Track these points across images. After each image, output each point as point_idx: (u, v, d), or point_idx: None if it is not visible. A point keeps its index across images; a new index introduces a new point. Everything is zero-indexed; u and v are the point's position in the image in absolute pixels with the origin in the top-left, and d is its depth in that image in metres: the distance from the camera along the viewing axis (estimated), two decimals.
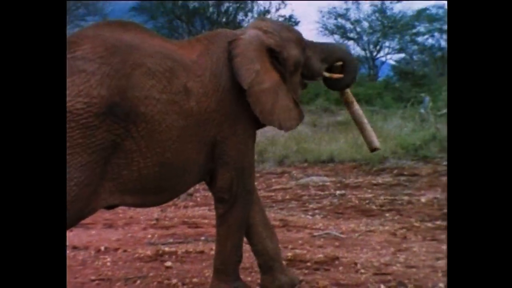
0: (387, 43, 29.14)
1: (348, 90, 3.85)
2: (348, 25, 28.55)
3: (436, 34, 27.86)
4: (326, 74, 3.76)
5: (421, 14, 27.65)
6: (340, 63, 3.76)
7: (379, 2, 28.39)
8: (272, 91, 3.27)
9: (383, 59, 29.28)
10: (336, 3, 38.69)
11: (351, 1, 28.43)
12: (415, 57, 28.81)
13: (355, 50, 28.01)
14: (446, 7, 26.39)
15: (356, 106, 3.82)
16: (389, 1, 28.26)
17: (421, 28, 28.08)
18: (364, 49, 28.68)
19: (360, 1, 28.16)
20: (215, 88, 3.11)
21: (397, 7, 28.59)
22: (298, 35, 3.64)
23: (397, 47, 29.00)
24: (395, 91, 19.62)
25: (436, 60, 27.12)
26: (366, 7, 28.29)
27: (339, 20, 28.82)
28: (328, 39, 27.27)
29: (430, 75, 22.80)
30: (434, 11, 27.61)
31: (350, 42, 27.93)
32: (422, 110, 12.10)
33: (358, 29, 28.99)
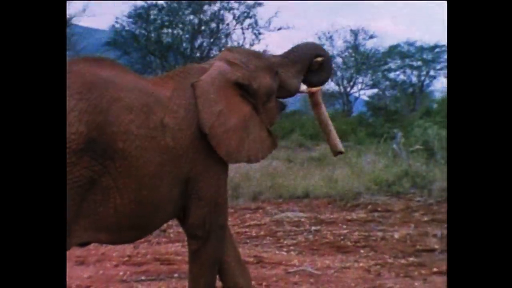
0: (360, 79, 29.70)
1: (318, 91, 3.85)
2: None
3: (407, 70, 28.53)
4: (305, 90, 3.80)
5: (392, 51, 28.34)
6: (320, 58, 3.78)
7: (352, 38, 29.07)
8: (239, 127, 3.30)
9: (357, 94, 29.75)
10: (310, 39, 39.26)
11: (324, 37, 28.93)
12: (387, 93, 29.32)
13: (330, 85, 28.37)
14: (417, 43, 27.13)
15: (323, 108, 3.83)
16: (361, 36, 28.95)
17: (393, 65, 28.75)
18: (338, 85, 29.11)
19: (334, 37, 28.71)
20: (189, 124, 3.13)
21: (369, 44, 29.11)
22: (268, 61, 3.65)
23: (370, 82, 29.55)
24: (369, 127, 19.92)
25: (407, 95, 27.64)
26: (339, 43, 28.81)
27: None
28: None
29: (402, 110, 23.21)
30: (405, 48, 28.36)
31: None
32: (394, 146, 12.25)
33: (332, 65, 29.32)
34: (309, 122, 20.50)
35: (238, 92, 3.38)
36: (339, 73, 29.10)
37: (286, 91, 3.71)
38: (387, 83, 29.23)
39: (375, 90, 29.67)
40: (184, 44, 24.36)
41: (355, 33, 28.95)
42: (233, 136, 3.25)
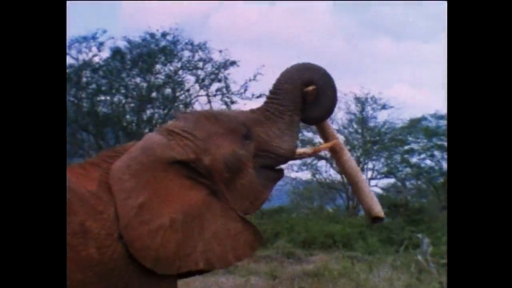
0: (370, 164, 29.08)
1: (334, 132, 3.81)
2: (318, 140, 28.09)
3: (436, 152, 28.00)
4: (308, 152, 3.82)
5: (415, 126, 27.70)
6: (311, 87, 3.69)
7: (358, 108, 28.53)
8: (180, 223, 3.27)
9: None
10: None
11: None
12: (408, 183, 29.07)
13: (328, 173, 27.90)
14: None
15: (348, 155, 3.75)
16: (370, 106, 28.66)
17: (416, 145, 28.43)
18: (339, 173, 28.54)
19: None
20: None
21: (382, 116, 28.06)
22: (231, 121, 3.64)
23: (384, 169, 29.02)
24: (383, 230, 19.95)
25: (436, 188, 27.28)
26: (340, 114, 28.06)
27: (305, 133, 27.96)
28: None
29: (429, 208, 23.24)
30: (433, 122, 27.49)
31: (322, 162, 27.82)
32: (419, 257, 12.41)
33: None
34: (301, 223, 20.41)
35: (181, 174, 3.39)
36: None
37: (275, 156, 3.65)
38: (408, 170, 28.81)
39: (391, 180, 29.23)
40: (128, 116, 24.12)
41: (361, 101, 28.17)
42: (170, 236, 3.24)
